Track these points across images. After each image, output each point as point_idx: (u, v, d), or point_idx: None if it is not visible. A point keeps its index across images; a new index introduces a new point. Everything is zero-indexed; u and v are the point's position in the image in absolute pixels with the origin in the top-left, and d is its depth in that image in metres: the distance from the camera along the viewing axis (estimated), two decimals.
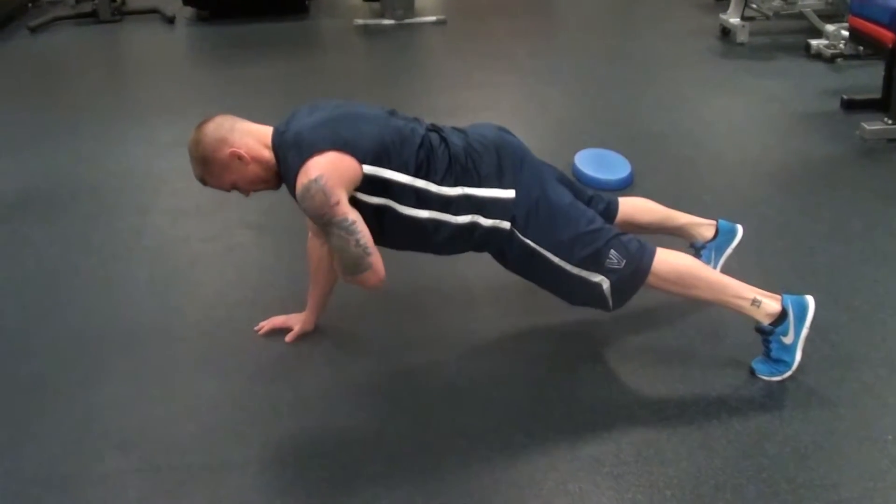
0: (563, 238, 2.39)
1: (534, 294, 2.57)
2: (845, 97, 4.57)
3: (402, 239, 2.45)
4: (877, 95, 4.41)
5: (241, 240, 3.50)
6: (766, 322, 2.43)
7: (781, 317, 2.41)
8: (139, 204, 3.87)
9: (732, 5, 5.96)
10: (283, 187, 2.44)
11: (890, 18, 4.06)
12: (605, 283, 2.41)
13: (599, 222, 2.46)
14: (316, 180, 2.18)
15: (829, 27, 5.45)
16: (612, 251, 2.39)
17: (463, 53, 6.18)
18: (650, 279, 2.43)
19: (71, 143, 4.63)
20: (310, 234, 2.69)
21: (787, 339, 2.44)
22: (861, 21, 4.36)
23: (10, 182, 4.18)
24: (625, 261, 2.40)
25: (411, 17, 6.88)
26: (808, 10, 5.81)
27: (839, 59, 5.34)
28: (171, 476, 2.24)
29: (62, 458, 2.33)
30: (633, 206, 2.81)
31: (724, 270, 2.73)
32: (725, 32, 6.04)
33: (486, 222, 2.40)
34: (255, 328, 2.83)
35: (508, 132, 2.59)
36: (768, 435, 2.28)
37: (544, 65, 5.82)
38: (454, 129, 2.54)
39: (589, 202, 2.64)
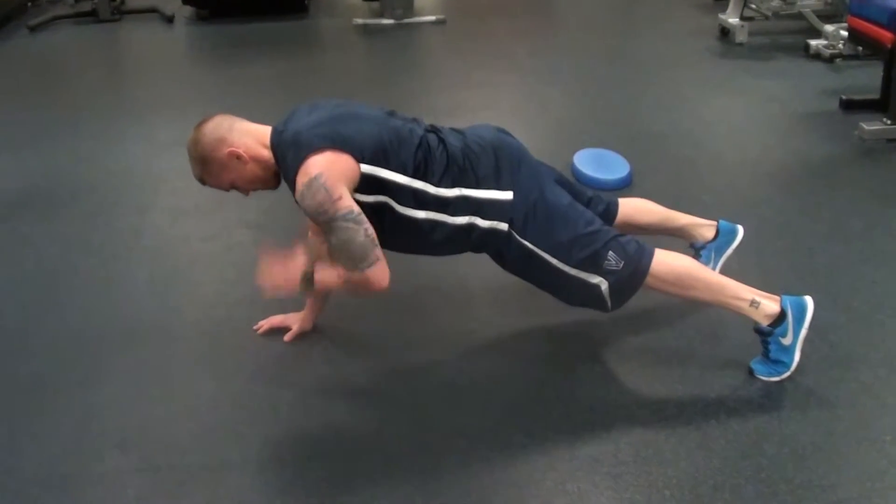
0: (561, 240, 2.39)
1: (533, 294, 2.57)
2: (844, 97, 4.57)
3: (400, 239, 2.45)
4: (876, 96, 4.41)
5: (240, 239, 3.50)
6: (764, 323, 2.43)
7: (780, 318, 2.41)
8: (139, 203, 3.87)
9: (731, 5, 5.96)
10: (282, 187, 2.44)
11: (889, 19, 4.07)
12: (604, 285, 2.41)
13: (598, 224, 2.46)
14: (316, 178, 2.19)
15: (829, 27, 5.45)
16: (611, 253, 2.39)
17: (462, 53, 6.18)
18: (649, 280, 2.43)
19: (70, 142, 4.64)
20: (309, 234, 2.69)
21: (786, 340, 2.44)
22: (860, 21, 4.36)
23: (10, 181, 4.18)
24: (623, 262, 2.40)
25: (410, 17, 6.88)
26: (808, 10, 5.82)
27: (838, 60, 5.34)
28: (171, 475, 2.25)
29: (61, 457, 2.33)
30: (632, 207, 2.81)
31: (724, 271, 2.74)
32: (724, 32, 6.04)
33: (483, 224, 2.40)
34: (254, 327, 2.84)
35: (507, 133, 2.58)
36: (767, 435, 2.28)
37: (544, 64, 5.82)
38: (452, 129, 2.55)
39: (588, 203, 2.64)
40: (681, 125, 4.53)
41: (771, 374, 2.47)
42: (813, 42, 5.50)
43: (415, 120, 2.52)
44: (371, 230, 2.24)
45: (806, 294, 2.47)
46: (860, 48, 5.08)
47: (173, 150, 4.20)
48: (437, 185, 2.37)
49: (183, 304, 3.06)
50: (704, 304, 2.55)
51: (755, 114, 4.70)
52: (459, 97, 5.11)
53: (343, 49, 6.46)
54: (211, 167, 2.39)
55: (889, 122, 4.14)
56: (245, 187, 2.45)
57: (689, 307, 2.77)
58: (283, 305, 2.88)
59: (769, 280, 2.63)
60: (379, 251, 2.26)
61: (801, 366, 2.46)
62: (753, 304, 2.42)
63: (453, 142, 2.44)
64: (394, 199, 2.34)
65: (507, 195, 2.40)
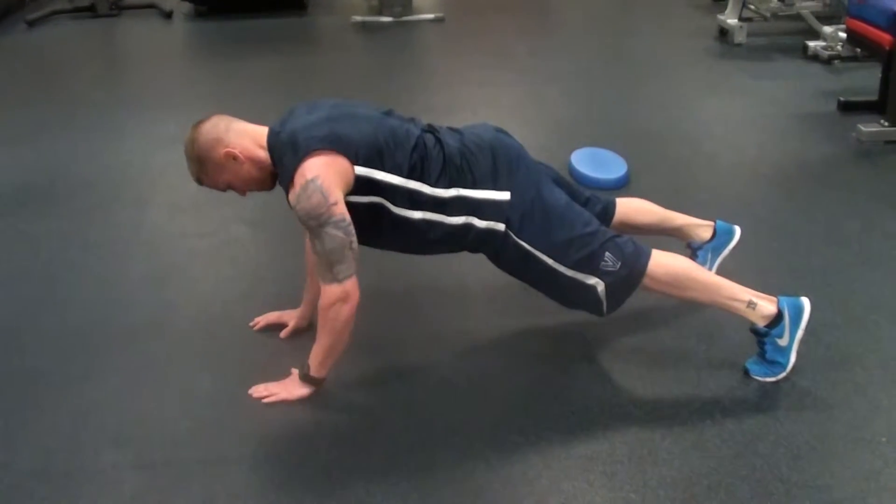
0: (557, 240, 2.39)
1: (529, 294, 2.57)
2: (842, 99, 4.58)
3: (396, 240, 2.45)
4: (873, 97, 4.42)
5: (237, 235, 3.50)
6: (761, 324, 2.43)
7: (777, 319, 2.42)
8: (136, 198, 3.88)
9: (730, 6, 5.97)
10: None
11: (887, 21, 4.07)
12: (601, 286, 2.41)
13: (595, 224, 2.46)
14: (313, 180, 2.19)
15: (827, 29, 5.46)
16: (608, 253, 2.39)
17: (461, 51, 6.18)
18: (645, 281, 2.43)
19: (68, 137, 4.63)
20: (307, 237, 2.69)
21: (783, 341, 2.44)
22: (858, 23, 4.37)
23: (7, 176, 4.18)
24: (620, 263, 2.40)
25: (409, 15, 6.89)
26: (806, 11, 5.82)
27: (836, 61, 5.35)
28: (167, 471, 2.25)
29: (57, 452, 2.33)
30: (630, 208, 2.81)
31: (720, 271, 2.74)
32: (723, 33, 6.05)
33: (480, 224, 2.40)
34: (251, 324, 2.84)
35: (505, 133, 2.58)
36: (762, 435, 2.28)
37: (542, 63, 5.82)
38: (450, 129, 2.54)
39: (586, 204, 2.64)
40: (678, 125, 4.54)
41: (766, 375, 2.48)
42: (811, 43, 5.51)
43: (412, 120, 2.51)
44: (356, 243, 2.26)
45: (802, 295, 2.47)
46: (858, 50, 5.09)
47: (171, 145, 4.19)
48: (434, 185, 2.36)
49: (180, 300, 3.06)
50: (701, 305, 2.55)
51: (753, 114, 4.70)
52: (457, 95, 5.11)
53: (341, 46, 6.46)
54: (207, 167, 2.38)
55: (886, 123, 4.14)
56: (241, 188, 2.45)
57: (684, 307, 2.77)
58: (280, 302, 2.89)
59: (765, 281, 2.63)
60: (356, 265, 2.28)
61: (796, 366, 2.46)
62: (750, 305, 2.42)
63: (450, 142, 2.44)
64: (388, 200, 2.34)
65: (504, 195, 2.40)
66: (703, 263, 2.77)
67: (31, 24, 7.08)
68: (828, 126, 4.40)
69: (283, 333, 2.78)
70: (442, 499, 2.13)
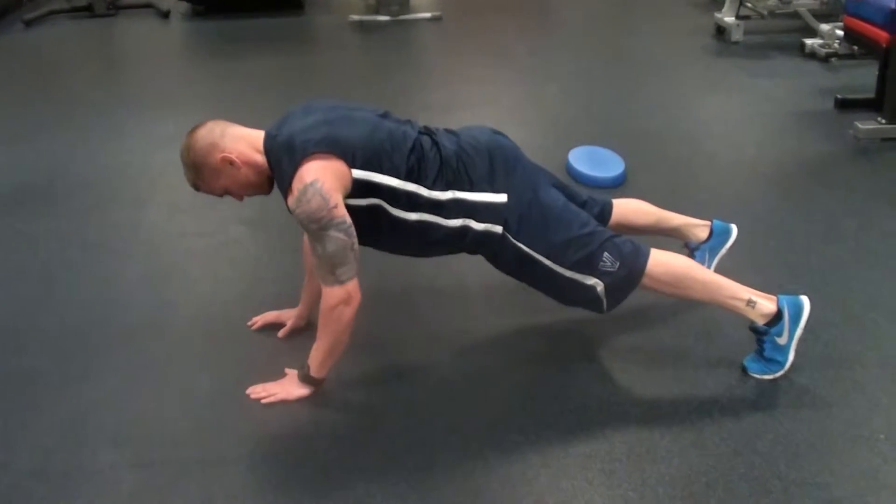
0: (555, 242, 2.39)
1: (528, 293, 2.57)
2: (839, 96, 4.58)
3: (394, 241, 2.45)
4: (871, 95, 4.42)
5: (235, 235, 3.50)
6: (761, 322, 2.43)
7: (777, 317, 2.42)
8: (134, 198, 3.87)
9: (727, 4, 5.97)
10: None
11: (884, 18, 4.07)
12: (600, 286, 2.41)
13: (593, 225, 2.46)
14: (312, 184, 2.18)
15: (824, 26, 5.46)
16: (606, 254, 2.39)
17: (458, 50, 6.18)
18: (645, 281, 2.43)
19: (66, 137, 4.63)
20: (305, 239, 2.68)
21: (782, 340, 2.44)
22: (855, 21, 4.37)
23: (5, 176, 4.17)
24: (619, 263, 2.40)
25: (406, 14, 6.89)
26: (803, 9, 5.82)
27: (833, 59, 5.35)
28: (165, 470, 2.25)
29: (56, 452, 2.33)
30: (627, 209, 2.81)
31: (718, 270, 2.74)
32: (720, 31, 6.05)
33: (477, 226, 2.40)
34: (249, 323, 2.84)
35: (502, 135, 2.58)
36: (760, 433, 2.28)
37: (540, 61, 5.82)
38: (447, 131, 2.54)
39: (583, 206, 2.63)
40: (676, 123, 4.54)
41: (764, 373, 2.48)
42: (808, 41, 5.51)
43: (409, 122, 2.51)
44: (357, 245, 2.26)
45: (801, 293, 2.47)
46: (855, 47, 5.09)
47: (169, 145, 4.15)
48: (431, 187, 2.36)
49: (178, 300, 3.05)
50: (700, 304, 2.55)
51: (750, 112, 4.71)
52: (455, 94, 5.11)
53: (339, 45, 6.46)
54: (204, 173, 2.38)
55: (884, 121, 4.15)
56: (238, 193, 2.44)
57: (682, 306, 2.77)
58: (279, 301, 2.89)
59: (763, 279, 2.63)
60: (358, 267, 2.28)
61: (794, 364, 2.47)
62: (750, 303, 2.42)
63: (447, 144, 2.44)
64: (387, 201, 2.33)
65: (502, 198, 2.40)
66: (700, 263, 2.77)
67: (29, 23, 7.07)
68: (825, 124, 4.40)
69: (281, 333, 2.78)
70: (441, 498, 2.13)
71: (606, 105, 4.89)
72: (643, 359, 2.63)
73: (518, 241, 2.40)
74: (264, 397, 2.48)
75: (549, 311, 2.72)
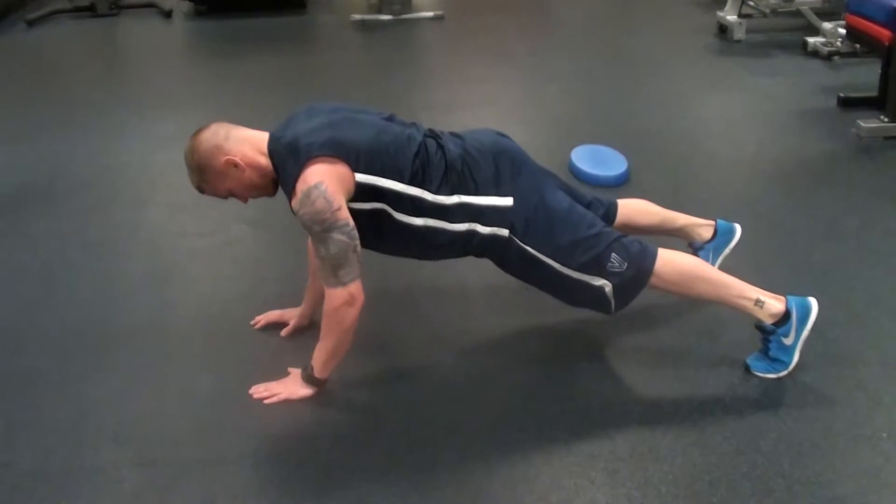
0: (563, 244, 2.39)
1: (529, 292, 2.57)
2: (842, 95, 4.58)
3: (400, 246, 2.45)
4: (873, 93, 4.42)
5: (237, 234, 3.50)
6: (768, 322, 2.43)
7: (785, 317, 2.42)
8: (136, 198, 3.87)
9: (730, 3, 5.96)
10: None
11: (886, 17, 4.07)
12: (608, 287, 2.40)
13: (600, 226, 2.45)
14: (316, 186, 2.18)
15: (827, 25, 5.45)
16: (614, 254, 2.39)
17: (460, 49, 6.18)
18: (653, 280, 2.42)
19: (68, 136, 4.63)
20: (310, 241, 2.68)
21: (788, 340, 2.44)
22: (858, 19, 4.36)
23: (7, 175, 4.18)
24: (627, 263, 2.39)
25: (409, 13, 6.88)
26: (806, 7, 5.82)
27: (836, 57, 5.34)
28: (166, 470, 2.24)
29: (57, 451, 2.33)
30: (632, 209, 2.80)
31: (721, 269, 2.74)
32: (722, 30, 6.04)
33: (483, 230, 2.39)
34: (251, 323, 2.84)
35: (507, 137, 2.57)
36: (763, 432, 2.28)
37: (542, 61, 5.82)
38: (452, 134, 2.53)
39: (588, 207, 2.62)
40: (678, 122, 4.54)
41: (768, 371, 2.48)
42: (811, 39, 5.50)
43: (414, 125, 2.50)
44: (360, 247, 2.26)
45: (803, 291, 2.47)
46: (858, 46, 5.08)
47: (171, 144, 4.20)
48: (436, 192, 2.36)
49: (180, 300, 3.05)
50: (707, 303, 2.55)
51: (752, 111, 4.70)
52: (457, 93, 5.11)
53: (341, 45, 6.46)
54: (208, 176, 2.38)
55: (886, 119, 4.14)
56: (243, 195, 2.44)
57: (685, 305, 2.77)
58: (281, 301, 2.88)
59: (766, 278, 2.62)
60: (360, 269, 2.29)
61: (797, 363, 2.46)
62: (758, 303, 2.42)
63: (452, 148, 2.43)
64: (391, 206, 2.33)
65: (507, 201, 2.39)
66: None
67: (31, 23, 7.07)
68: (827, 122, 4.40)
69: (284, 332, 2.78)
70: (442, 498, 2.13)
71: (608, 104, 4.88)
72: (645, 358, 2.63)
73: (525, 244, 2.39)
74: (267, 397, 2.48)
75: (550, 311, 2.72)
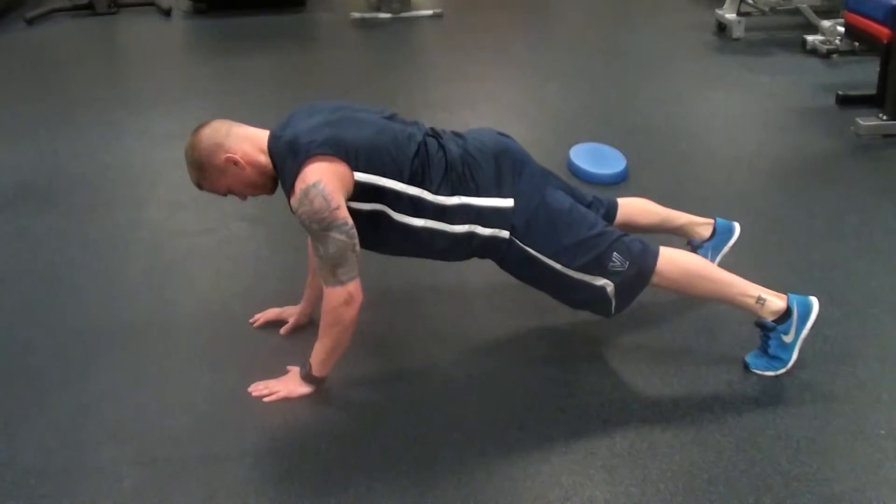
0: (564, 244, 2.39)
1: (529, 291, 2.57)
2: (840, 93, 4.58)
3: (399, 246, 2.45)
4: (872, 91, 4.42)
5: (236, 232, 3.50)
6: (769, 319, 2.43)
7: (786, 315, 2.42)
8: (135, 196, 3.87)
9: (729, 1, 5.97)
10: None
11: (885, 15, 4.07)
12: (610, 287, 2.40)
13: (601, 226, 2.45)
14: (315, 185, 2.18)
15: (825, 23, 5.46)
16: (615, 254, 2.39)
17: (459, 47, 6.17)
18: (655, 279, 2.42)
19: (67, 135, 4.63)
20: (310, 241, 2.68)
21: (788, 338, 2.44)
22: (856, 17, 4.37)
23: (7, 174, 4.17)
24: (628, 263, 2.39)
25: (408, 11, 6.88)
26: (804, 5, 5.81)
27: (835, 55, 5.35)
28: (166, 467, 2.25)
29: (58, 448, 2.33)
30: (632, 209, 2.80)
31: (721, 267, 2.74)
32: (721, 28, 6.04)
33: (484, 231, 2.39)
34: (251, 321, 2.84)
35: (509, 138, 2.57)
36: (761, 429, 2.29)
37: (541, 58, 5.82)
38: (454, 134, 2.53)
39: (589, 206, 2.62)
40: (677, 120, 4.54)
41: (766, 369, 2.48)
42: (810, 38, 5.50)
43: (415, 123, 2.50)
44: (358, 246, 2.26)
45: (802, 290, 2.47)
46: (857, 44, 5.09)
47: (170, 143, 4.20)
48: (436, 192, 2.35)
49: (179, 297, 3.06)
50: (708, 301, 2.55)
51: (751, 109, 4.70)
52: (456, 91, 5.11)
53: (340, 43, 6.46)
54: (208, 173, 2.38)
55: (885, 117, 4.15)
56: (242, 192, 2.45)
57: (684, 302, 2.77)
58: (280, 299, 2.89)
59: (765, 275, 2.62)
60: (359, 267, 2.29)
61: (796, 361, 2.47)
62: (760, 301, 2.42)
63: (453, 148, 2.43)
64: (390, 206, 2.33)
65: (508, 202, 2.39)
66: None
67: (31, 21, 7.06)
68: (826, 120, 4.40)
69: (283, 330, 2.78)
70: (442, 495, 2.13)
71: (607, 102, 4.89)
72: (644, 355, 2.63)
73: (526, 244, 2.39)
74: (266, 395, 2.48)
75: (550, 310, 2.72)
